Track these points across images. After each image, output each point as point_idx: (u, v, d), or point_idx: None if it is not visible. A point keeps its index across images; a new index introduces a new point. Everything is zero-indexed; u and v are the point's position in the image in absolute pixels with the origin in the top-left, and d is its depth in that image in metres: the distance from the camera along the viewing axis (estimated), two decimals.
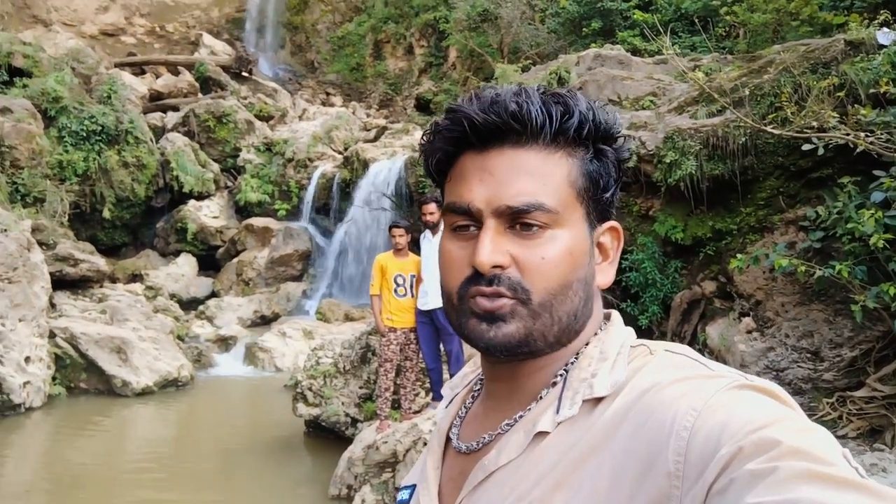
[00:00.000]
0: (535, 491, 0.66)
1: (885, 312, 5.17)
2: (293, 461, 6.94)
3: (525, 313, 0.70)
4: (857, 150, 4.94)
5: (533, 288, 0.69)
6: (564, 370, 0.73)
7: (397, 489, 5.05)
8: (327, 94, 23.14)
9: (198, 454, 7.12)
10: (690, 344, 6.64)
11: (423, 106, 20.66)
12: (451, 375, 5.58)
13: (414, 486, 0.83)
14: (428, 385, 6.31)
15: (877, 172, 5.19)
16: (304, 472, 6.72)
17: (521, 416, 0.73)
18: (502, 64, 13.42)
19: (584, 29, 15.09)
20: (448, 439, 0.82)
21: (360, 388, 6.75)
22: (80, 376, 9.03)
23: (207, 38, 22.38)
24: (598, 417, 0.67)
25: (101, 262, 11.58)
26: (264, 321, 12.58)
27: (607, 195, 0.75)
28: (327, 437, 6.85)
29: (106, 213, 13.75)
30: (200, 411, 8.98)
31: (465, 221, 0.73)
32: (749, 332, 6.67)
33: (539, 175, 0.71)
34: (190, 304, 13.13)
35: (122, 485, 6.28)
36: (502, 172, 0.71)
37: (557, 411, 0.70)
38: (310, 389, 6.92)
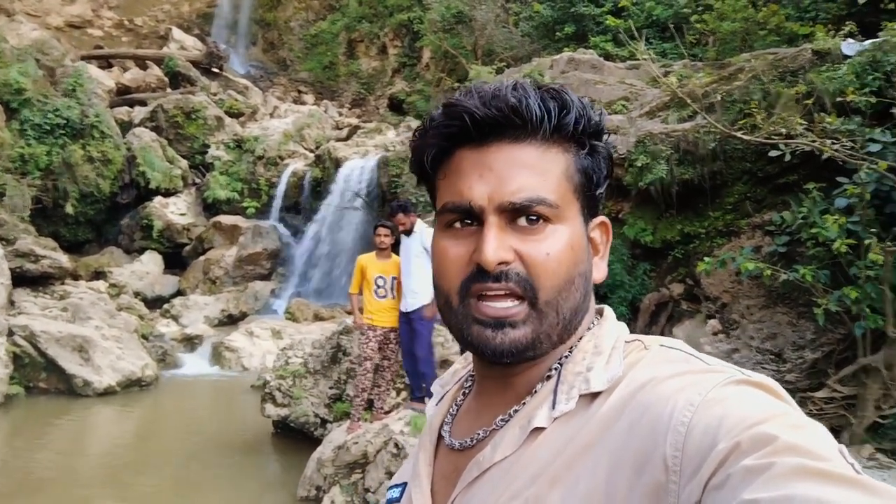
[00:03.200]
0: (531, 488, 0.65)
1: (846, 315, 5.30)
2: (260, 462, 6.85)
3: (533, 316, 0.69)
4: (823, 157, 5.06)
5: (539, 286, 0.69)
6: (559, 364, 0.72)
7: (367, 491, 5.03)
8: (299, 91, 22.94)
9: (162, 456, 6.98)
10: None
11: (395, 106, 20.60)
12: (423, 376, 5.58)
13: (404, 483, 0.81)
14: (400, 386, 6.29)
15: (840, 179, 5.33)
16: (272, 473, 6.63)
17: (515, 411, 0.72)
18: (476, 66, 13.45)
19: (557, 33, 15.22)
20: (440, 436, 0.80)
21: (331, 388, 6.70)
22: (40, 376, 8.79)
23: (177, 33, 21.99)
24: (594, 412, 0.66)
25: (63, 259, 11.29)
26: (231, 320, 12.40)
27: (599, 191, 0.75)
28: (295, 437, 6.78)
29: (69, 209, 13.42)
30: (165, 412, 8.80)
31: (464, 218, 0.72)
32: (715, 333, 6.78)
33: (539, 170, 0.70)
34: (155, 303, 12.88)
35: (82, 487, 6.12)
36: (502, 167, 0.70)
37: (553, 406, 0.69)
38: (279, 390, 6.84)
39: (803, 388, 5.86)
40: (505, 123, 0.70)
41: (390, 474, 4.90)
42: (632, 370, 0.67)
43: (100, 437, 7.93)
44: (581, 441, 0.65)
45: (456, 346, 7.01)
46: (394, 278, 5.66)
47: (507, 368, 0.73)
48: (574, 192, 0.72)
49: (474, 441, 0.74)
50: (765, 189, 6.62)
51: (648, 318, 7.25)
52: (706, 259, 6.14)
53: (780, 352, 6.18)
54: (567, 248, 0.70)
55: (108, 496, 5.99)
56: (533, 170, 0.70)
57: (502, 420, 0.73)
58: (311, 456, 5.70)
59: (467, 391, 0.83)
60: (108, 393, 8.68)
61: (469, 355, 0.83)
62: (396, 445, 4.97)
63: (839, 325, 5.61)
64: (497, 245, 0.68)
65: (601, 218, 0.78)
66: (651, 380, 0.64)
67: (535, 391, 0.72)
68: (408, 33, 21.84)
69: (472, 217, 0.71)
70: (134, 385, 9.01)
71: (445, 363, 6.79)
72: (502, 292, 0.69)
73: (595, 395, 0.68)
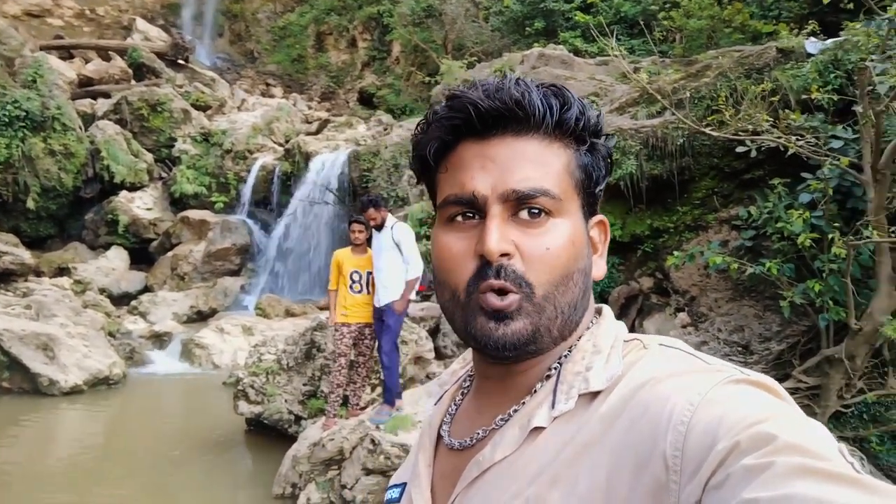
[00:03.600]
0: (531, 487, 0.65)
1: (810, 308, 5.44)
2: (234, 460, 6.78)
3: (530, 308, 0.69)
4: (788, 154, 5.18)
5: (536, 281, 0.69)
6: (558, 363, 0.73)
7: (343, 487, 5.02)
8: (267, 84, 22.65)
9: (131, 455, 6.86)
10: None
11: (365, 99, 20.49)
12: (383, 369, 5.57)
13: (403, 484, 0.81)
14: (375, 381, 6.29)
15: (804, 175, 5.47)
16: (246, 471, 6.57)
17: (515, 411, 0.72)
18: (447, 60, 13.44)
19: (527, 28, 15.29)
20: (439, 436, 0.80)
21: (305, 385, 6.66)
22: (3, 375, 8.56)
23: (141, 23, 21.52)
24: (594, 412, 0.66)
25: (25, 255, 11.03)
26: (201, 317, 12.22)
27: (599, 189, 0.76)
28: (269, 435, 6.72)
29: (30, 204, 13.07)
30: (133, 411, 8.65)
31: (466, 211, 0.72)
32: (684, 326, 6.91)
33: (541, 163, 0.71)
34: (121, 299, 12.63)
35: (47, 491, 5.97)
36: (504, 159, 0.71)
37: (553, 406, 0.69)
38: (252, 387, 6.77)
39: None
40: (508, 116, 0.70)
41: (367, 470, 4.90)
42: (631, 369, 0.68)
43: (66, 437, 7.75)
44: (581, 440, 0.65)
45: (429, 344, 7.03)
46: (369, 273, 5.65)
47: (507, 367, 0.74)
48: (575, 188, 0.73)
49: (474, 441, 0.74)
50: (732, 184, 6.76)
51: (618, 311, 7.35)
52: (675, 253, 6.25)
53: (746, 344, 6.32)
54: (568, 242, 0.71)
55: (75, 500, 5.86)
56: (535, 162, 0.71)
57: (502, 420, 0.73)
58: (286, 453, 5.66)
59: (466, 391, 0.83)
60: (74, 392, 8.50)
61: (468, 355, 0.83)
62: (372, 441, 4.97)
63: (804, 318, 5.77)
64: (499, 236, 0.68)
65: (600, 216, 0.78)
66: (651, 379, 0.64)
67: (535, 391, 0.72)
68: (377, 26, 21.71)
69: (474, 209, 0.71)
70: (101, 384, 8.84)
71: (420, 360, 6.81)
72: (502, 289, 0.69)
73: (595, 395, 0.68)
